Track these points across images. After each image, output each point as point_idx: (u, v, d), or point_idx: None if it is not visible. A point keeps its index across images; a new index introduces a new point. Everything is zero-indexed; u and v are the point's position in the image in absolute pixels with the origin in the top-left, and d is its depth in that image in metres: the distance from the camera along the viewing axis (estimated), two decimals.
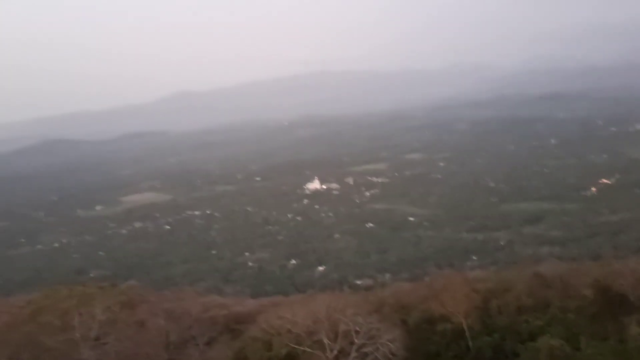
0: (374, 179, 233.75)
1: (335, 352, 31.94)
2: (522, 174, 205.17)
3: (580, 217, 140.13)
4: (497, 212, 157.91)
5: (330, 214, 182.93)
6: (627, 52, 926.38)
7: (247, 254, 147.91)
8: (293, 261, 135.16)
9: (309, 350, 32.86)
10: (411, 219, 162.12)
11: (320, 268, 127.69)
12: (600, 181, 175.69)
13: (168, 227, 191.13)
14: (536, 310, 42.61)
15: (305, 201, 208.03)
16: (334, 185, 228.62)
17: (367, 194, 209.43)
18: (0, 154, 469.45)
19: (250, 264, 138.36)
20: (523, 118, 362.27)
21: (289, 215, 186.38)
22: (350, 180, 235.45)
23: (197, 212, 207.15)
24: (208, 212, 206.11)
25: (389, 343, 32.61)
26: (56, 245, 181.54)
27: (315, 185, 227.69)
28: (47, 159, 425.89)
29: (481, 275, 65.29)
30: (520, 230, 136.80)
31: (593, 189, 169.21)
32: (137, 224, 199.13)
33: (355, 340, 32.12)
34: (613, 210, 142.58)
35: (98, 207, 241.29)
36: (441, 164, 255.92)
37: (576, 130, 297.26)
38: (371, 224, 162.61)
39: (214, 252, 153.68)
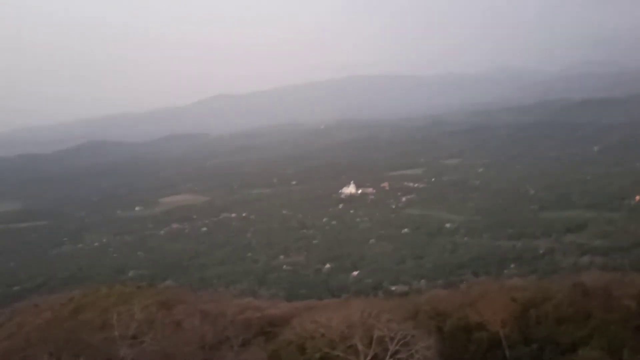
0: (411, 184, 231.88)
1: (369, 358, 31.73)
2: (563, 182, 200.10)
3: (624, 226, 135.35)
4: (537, 219, 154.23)
5: (366, 219, 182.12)
6: None
7: (282, 257, 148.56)
8: (328, 265, 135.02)
9: (342, 355, 32.72)
10: (448, 225, 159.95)
11: (355, 273, 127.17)
12: None
13: (205, 228, 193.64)
14: (577, 321, 41.43)
15: (341, 205, 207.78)
16: (370, 190, 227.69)
17: (404, 199, 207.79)
18: (45, 155, 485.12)
19: (285, 267, 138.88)
20: (565, 124, 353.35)
21: (324, 220, 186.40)
22: (386, 185, 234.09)
23: (233, 215, 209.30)
24: (244, 214, 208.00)
25: (424, 350, 32.22)
26: (97, 244, 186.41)
27: (350, 189, 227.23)
28: (90, 159, 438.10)
29: (519, 283, 63.83)
30: (561, 238, 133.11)
31: (637, 197, 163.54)
32: (175, 225, 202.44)
33: (390, 347, 31.85)
34: None
35: (137, 208, 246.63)
36: (480, 169, 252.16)
37: (620, 137, 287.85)
38: (407, 230, 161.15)
39: (249, 254, 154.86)
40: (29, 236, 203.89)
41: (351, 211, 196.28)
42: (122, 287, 60.81)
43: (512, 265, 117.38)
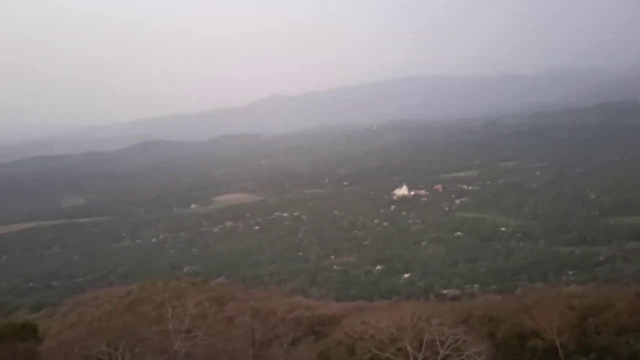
0: (465, 187, 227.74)
1: None
2: (626, 186, 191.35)
3: None
4: (598, 225, 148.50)
5: (418, 221, 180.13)
6: None
7: (332, 257, 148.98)
8: (378, 267, 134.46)
9: (392, 357, 32.50)
10: (503, 229, 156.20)
11: (406, 275, 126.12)
12: None
13: (257, 227, 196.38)
14: (638, 331, 39.70)
15: (393, 207, 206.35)
16: (423, 192, 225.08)
17: (457, 201, 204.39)
18: (105, 153, 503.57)
19: (335, 267, 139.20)
20: (629, 126, 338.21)
21: (376, 221, 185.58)
22: (439, 187, 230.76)
23: (285, 214, 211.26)
24: (296, 214, 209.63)
25: (475, 356, 31.62)
26: (154, 240, 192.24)
27: (403, 191, 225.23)
28: (147, 158, 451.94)
29: (578, 291, 61.64)
30: (623, 245, 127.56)
31: None
32: (229, 223, 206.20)
33: (440, 351, 31.43)
34: None
35: (193, 206, 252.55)
36: (537, 173, 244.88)
37: None
38: (460, 233, 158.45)
39: (300, 254, 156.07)
40: (91, 231, 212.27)
41: (403, 213, 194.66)
42: (177, 282, 62.39)
43: (571, 272, 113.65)
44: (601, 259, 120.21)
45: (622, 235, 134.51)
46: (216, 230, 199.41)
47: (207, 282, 72.32)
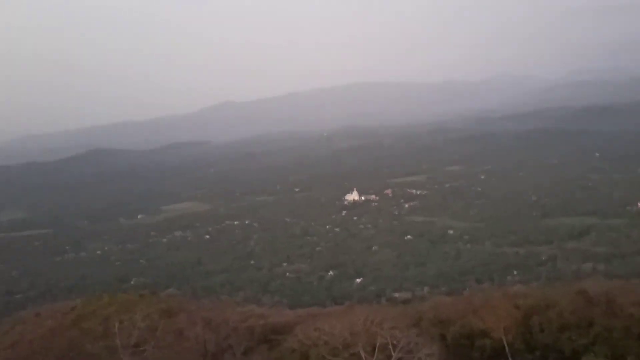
0: (414, 191, 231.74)
1: None
2: (565, 188, 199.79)
3: (626, 233, 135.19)
4: (540, 226, 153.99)
5: (369, 226, 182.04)
6: None
7: (285, 264, 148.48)
8: (331, 272, 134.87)
9: None
10: (451, 232, 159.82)
11: (358, 280, 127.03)
12: None
13: (208, 236, 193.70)
14: (580, 328, 41.26)
15: (344, 212, 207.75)
16: (373, 197, 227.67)
17: (407, 206, 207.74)
18: (46, 163, 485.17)
19: (288, 274, 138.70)
20: (567, 131, 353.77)
21: (328, 227, 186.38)
22: (389, 192, 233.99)
23: (236, 222, 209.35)
24: (247, 222, 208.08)
25: (427, 358, 32.16)
26: (99, 253, 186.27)
27: (354, 196, 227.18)
28: (92, 168, 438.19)
29: (522, 290, 63.66)
30: (564, 245, 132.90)
31: (639, 204, 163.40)
32: (178, 233, 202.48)
33: (393, 354, 31.79)
34: None
35: (140, 216, 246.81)
36: (482, 176, 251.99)
37: (621, 144, 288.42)
38: (410, 237, 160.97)
39: (252, 262, 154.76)
40: (31, 244, 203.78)
41: (354, 218, 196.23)
42: (124, 296, 60.70)
43: (515, 272, 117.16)
44: (543, 258, 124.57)
45: (562, 235, 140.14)
46: (165, 240, 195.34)
47: (155, 294, 70.65)
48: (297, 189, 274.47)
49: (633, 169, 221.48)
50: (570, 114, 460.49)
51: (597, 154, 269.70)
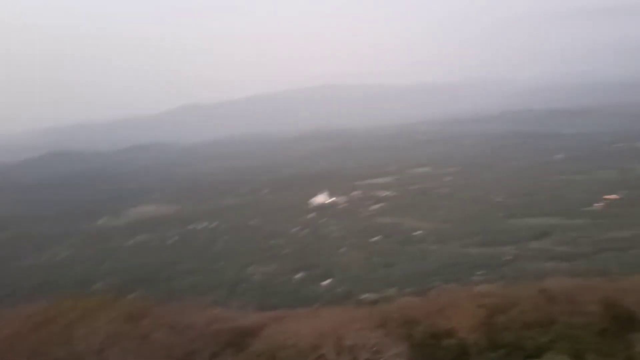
0: (381, 193, 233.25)
1: None
2: (529, 189, 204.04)
3: (587, 233, 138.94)
4: (504, 227, 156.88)
5: (337, 228, 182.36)
6: (634, 69, 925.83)
7: (252, 267, 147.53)
8: (299, 275, 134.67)
9: None
10: (418, 233, 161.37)
11: (326, 282, 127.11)
12: (608, 197, 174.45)
13: (173, 239, 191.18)
14: (542, 326, 42.18)
15: (312, 215, 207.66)
16: (341, 199, 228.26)
17: (374, 207, 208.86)
18: (6, 165, 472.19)
19: (255, 277, 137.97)
20: (531, 133, 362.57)
21: (295, 229, 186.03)
22: (357, 194, 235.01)
23: (202, 225, 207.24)
24: (214, 224, 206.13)
25: (395, 358, 32.39)
26: (60, 257, 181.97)
27: (322, 198, 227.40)
28: (53, 170, 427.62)
29: (487, 290, 64.67)
30: (527, 245, 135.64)
31: (600, 204, 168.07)
32: (143, 236, 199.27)
33: (360, 355, 31.92)
34: (620, 226, 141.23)
35: (103, 219, 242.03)
36: (449, 178, 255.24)
37: (583, 146, 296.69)
38: (377, 238, 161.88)
39: (219, 265, 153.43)
40: None
41: (322, 220, 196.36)
42: (88, 300, 59.35)
43: (480, 272, 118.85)
44: (507, 258, 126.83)
45: (525, 236, 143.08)
46: (129, 243, 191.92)
47: (120, 298, 69.33)
48: (265, 191, 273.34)
49: (593, 170, 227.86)
50: (533, 117, 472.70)
51: (560, 156, 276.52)
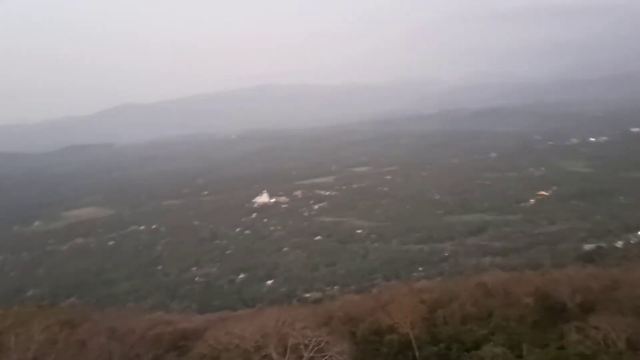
0: (322, 192, 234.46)
1: None
2: (465, 187, 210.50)
3: (520, 228, 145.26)
4: (442, 224, 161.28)
5: (279, 228, 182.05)
6: (562, 69, 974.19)
7: (194, 269, 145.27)
8: (241, 275, 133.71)
9: None
10: (359, 231, 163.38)
11: (269, 282, 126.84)
12: (539, 193, 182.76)
13: (112, 242, 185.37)
14: (480, 319, 43.78)
15: (254, 215, 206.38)
16: (283, 199, 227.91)
17: (316, 207, 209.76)
18: None
19: (197, 279, 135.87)
20: (465, 132, 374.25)
21: (237, 230, 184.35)
22: (298, 194, 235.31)
23: (142, 227, 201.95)
24: (154, 227, 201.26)
25: (338, 356, 32.74)
26: None
27: (263, 199, 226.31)
28: None
29: (427, 285, 66.52)
30: (464, 241, 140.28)
31: (532, 200, 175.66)
32: (79, 240, 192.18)
33: (304, 354, 32.10)
34: (551, 221, 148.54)
35: (37, 223, 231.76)
36: (388, 177, 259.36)
37: (515, 144, 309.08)
38: (320, 237, 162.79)
39: (159, 267, 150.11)
40: None
41: (264, 220, 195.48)
42: (21, 308, 56.97)
43: (420, 268, 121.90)
44: (446, 254, 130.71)
45: (462, 232, 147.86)
46: (65, 248, 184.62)
47: (55, 305, 66.95)
48: (205, 192, 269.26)
49: (525, 168, 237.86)
50: (467, 116, 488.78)
51: (493, 154, 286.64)
